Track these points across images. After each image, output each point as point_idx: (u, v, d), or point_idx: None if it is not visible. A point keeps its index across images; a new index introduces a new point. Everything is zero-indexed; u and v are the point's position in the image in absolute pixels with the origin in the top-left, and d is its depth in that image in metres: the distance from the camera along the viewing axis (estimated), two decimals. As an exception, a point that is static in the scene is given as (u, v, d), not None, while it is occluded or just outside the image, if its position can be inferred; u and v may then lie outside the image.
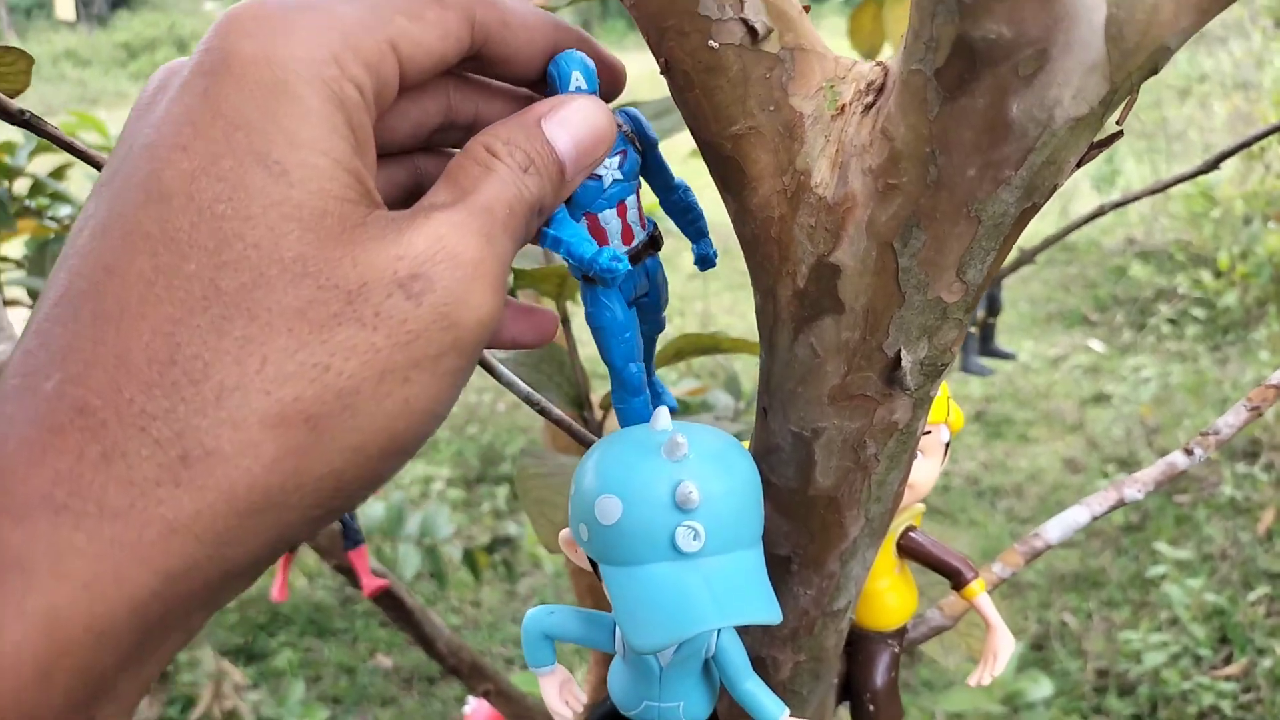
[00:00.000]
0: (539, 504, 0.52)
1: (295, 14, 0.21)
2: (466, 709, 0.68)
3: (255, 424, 0.19)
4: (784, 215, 0.28)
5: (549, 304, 0.96)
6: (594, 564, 0.31)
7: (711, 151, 0.29)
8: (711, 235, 0.34)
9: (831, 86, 0.28)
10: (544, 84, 0.28)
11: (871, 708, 0.39)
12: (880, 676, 0.39)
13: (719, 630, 0.33)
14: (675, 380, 2.16)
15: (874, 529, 0.33)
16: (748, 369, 2.18)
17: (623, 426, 0.31)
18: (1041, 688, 1.21)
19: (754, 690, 0.33)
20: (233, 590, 0.21)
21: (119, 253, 0.20)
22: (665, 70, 0.28)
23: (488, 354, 0.40)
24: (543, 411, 0.41)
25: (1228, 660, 1.74)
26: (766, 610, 0.28)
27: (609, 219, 0.29)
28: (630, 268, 0.29)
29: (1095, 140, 0.25)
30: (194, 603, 0.20)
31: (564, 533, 0.33)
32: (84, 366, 0.19)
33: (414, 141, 0.28)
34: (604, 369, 0.33)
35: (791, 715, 0.32)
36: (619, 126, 0.28)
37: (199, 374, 0.19)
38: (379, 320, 0.20)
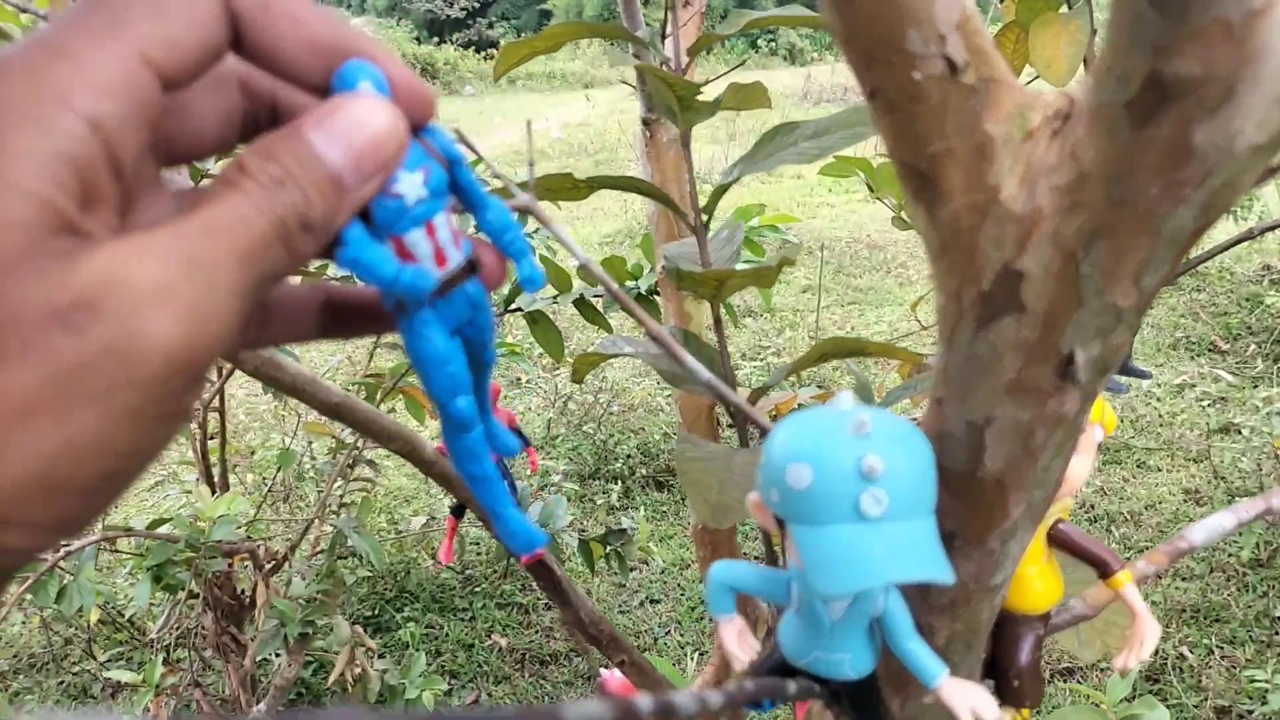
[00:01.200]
0: (695, 484, 0.57)
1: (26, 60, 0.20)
2: (604, 675, 0.74)
3: None
4: (972, 227, 0.32)
5: (696, 306, 1.00)
6: (780, 524, 0.35)
7: (907, 168, 0.33)
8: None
9: (1021, 113, 0.31)
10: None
11: (1016, 683, 0.43)
12: (1025, 655, 0.43)
13: (888, 591, 0.37)
14: (794, 386, 2.18)
15: (1034, 513, 0.37)
16: (874, 379, 2.19)
17: (455, 466, 0.29)
18: (1158, 714, 1.19)
19: (917, 650, 0.37)
20: None
21: None
22: (870, 96, 0.32)
23: (674, 346, 0.45)
24: (721, 398, 0.45)
25: (1361, 708, 1.66)
26: (940, 569, 0.32)
27: (417, 241, 0.25)
28: (445, 292, 0.26)
29: (1272, 165, 0.28)
30: None
31: (752, 495, 0.37)
32: None
33: (229, 136, 0.26)
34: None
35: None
36: (421, 142, 0.25)
37: None
38: (26, 354, 0.19)
